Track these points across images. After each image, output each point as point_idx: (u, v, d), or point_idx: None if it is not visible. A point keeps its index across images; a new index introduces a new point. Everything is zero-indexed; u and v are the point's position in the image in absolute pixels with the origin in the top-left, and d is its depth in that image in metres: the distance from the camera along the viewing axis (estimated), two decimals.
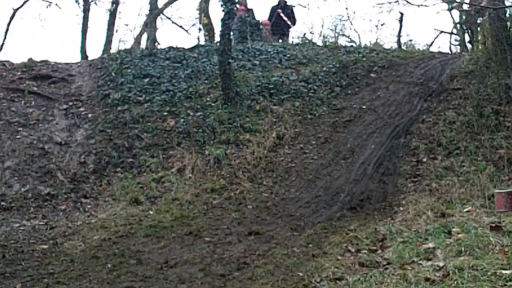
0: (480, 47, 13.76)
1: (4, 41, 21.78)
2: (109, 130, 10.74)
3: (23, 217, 8.38)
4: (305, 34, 22.20)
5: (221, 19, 11.47)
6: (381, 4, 23.69)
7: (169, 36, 48.62)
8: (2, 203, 8.81)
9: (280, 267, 5.68)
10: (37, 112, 11.24)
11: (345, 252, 5.97)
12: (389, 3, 23.04)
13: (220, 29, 11.49)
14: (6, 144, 10.10)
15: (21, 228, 7.89)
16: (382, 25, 36.70)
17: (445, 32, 12.19)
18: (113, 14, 19.50)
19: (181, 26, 26.05)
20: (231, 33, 12.48)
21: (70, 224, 8.02)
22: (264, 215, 7.99)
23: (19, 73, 12.64)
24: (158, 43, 20.63)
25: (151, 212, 8.30)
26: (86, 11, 19.53)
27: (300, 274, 5.41)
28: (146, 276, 5.65)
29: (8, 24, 21.87)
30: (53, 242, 7.17)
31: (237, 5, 13.48)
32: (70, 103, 11.68)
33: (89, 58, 16.72)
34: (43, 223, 8.12)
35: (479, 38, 14.63)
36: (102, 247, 6.79)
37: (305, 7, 24.54)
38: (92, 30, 35.85)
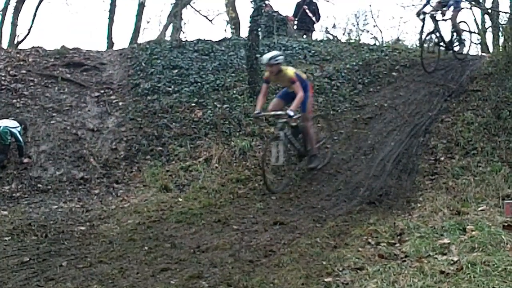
0: (500, 50, 13.91)
1: (32, 25, 22.28)
2: (139, 119, 11.06)
3: (60, 200, 8.77)
4: (327, 28, 22.39)
5: (250, 16, 11.79)
6: (405, 6, 23.91)
7: (193, 26, 48.67)
8: (39, 185, 9.21)
9: (304, 256, 5.94)
10: (70, 98, 11.61)
11: (365, 244, 6.20)
12: (413, 5, 23.26)
13: (249, 25, 11.80)
14: (41, 129, 10.48)
15: (59, 210, 8.28)
16: (405, 22, 36.75)
17: (466, 31, 12.31)
18: (142, 4, 19.88)
19: (205, 16, 26.37)
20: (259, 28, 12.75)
21: (104, 207, 8.37)
22: (287, 206, 8.23)
23: (52, 60, 13.02)
24: (184, 33, 20.97)
25: (180, 199, 8.62)
26: None
27: (324, 263, 5.68)
28: (180, 259, 5.96)
29: (36, 9, 22.36)
30: (90, 224, 7.55)
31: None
32: (102, 91, 12.04)
33: (115, 46, 17.06)
34: (79, 206, 8.50)
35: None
36: (137, 230, 7.12)
37: (328, 1, 24.79)
38: (116, 18, 36.17)
